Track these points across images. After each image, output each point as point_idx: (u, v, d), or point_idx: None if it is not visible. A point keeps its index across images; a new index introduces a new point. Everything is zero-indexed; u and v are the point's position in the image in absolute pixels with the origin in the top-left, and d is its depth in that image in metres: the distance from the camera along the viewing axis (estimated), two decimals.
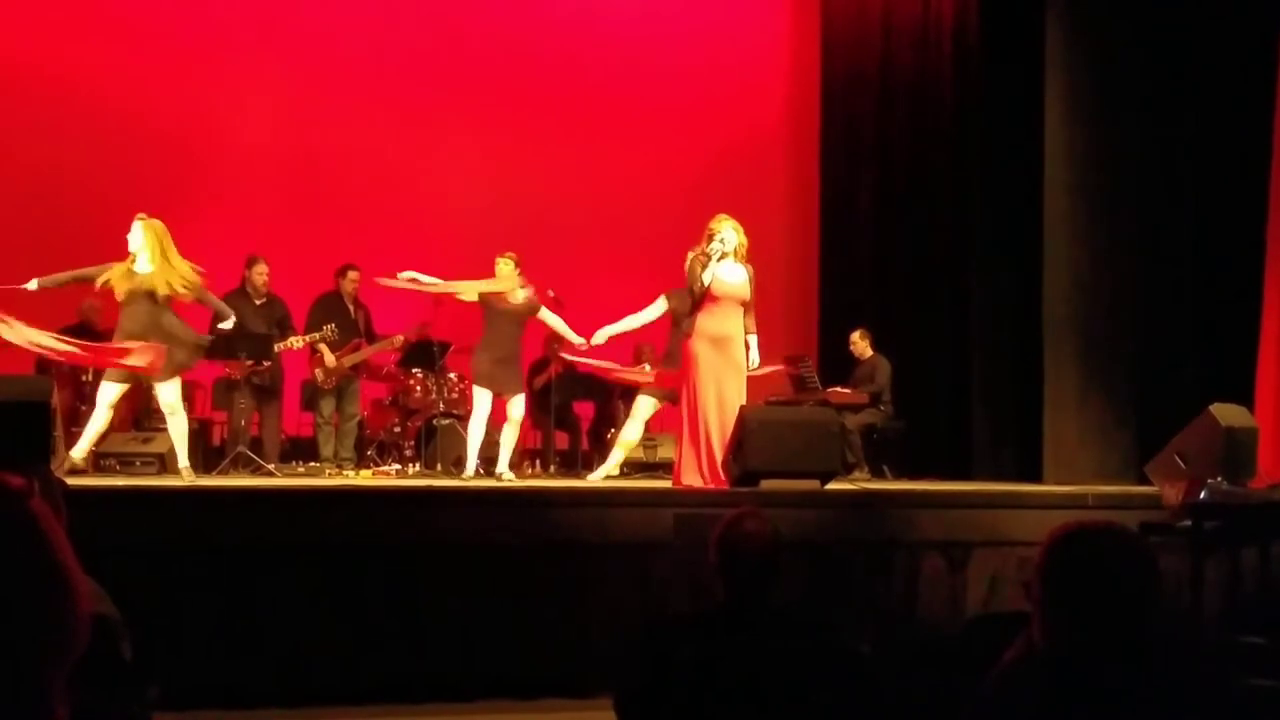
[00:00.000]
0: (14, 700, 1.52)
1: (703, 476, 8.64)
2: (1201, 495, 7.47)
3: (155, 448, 10.16)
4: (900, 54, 13.16)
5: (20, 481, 1.61)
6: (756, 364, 9.05)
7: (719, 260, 8.73)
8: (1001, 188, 11.51)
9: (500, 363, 9.75)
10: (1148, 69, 10.49)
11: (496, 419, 9.99)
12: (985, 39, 11.87)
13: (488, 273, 10.03)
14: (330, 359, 11.03)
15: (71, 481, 6.76)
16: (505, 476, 9.53)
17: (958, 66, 12.32)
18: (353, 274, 11.38)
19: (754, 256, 8.91)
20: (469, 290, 9.87)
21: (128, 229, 8.96)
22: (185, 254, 9.13)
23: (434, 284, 9.87)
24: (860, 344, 12.24)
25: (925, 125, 12.77)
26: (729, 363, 8.81)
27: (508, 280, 9.79)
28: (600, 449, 12.24)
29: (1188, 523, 7.42)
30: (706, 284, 8.72)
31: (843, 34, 13.88)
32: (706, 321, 8.79)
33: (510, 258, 9.86)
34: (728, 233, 8.77)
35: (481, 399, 9.75)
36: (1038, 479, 10.31)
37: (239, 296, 10.79)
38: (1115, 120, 10.50)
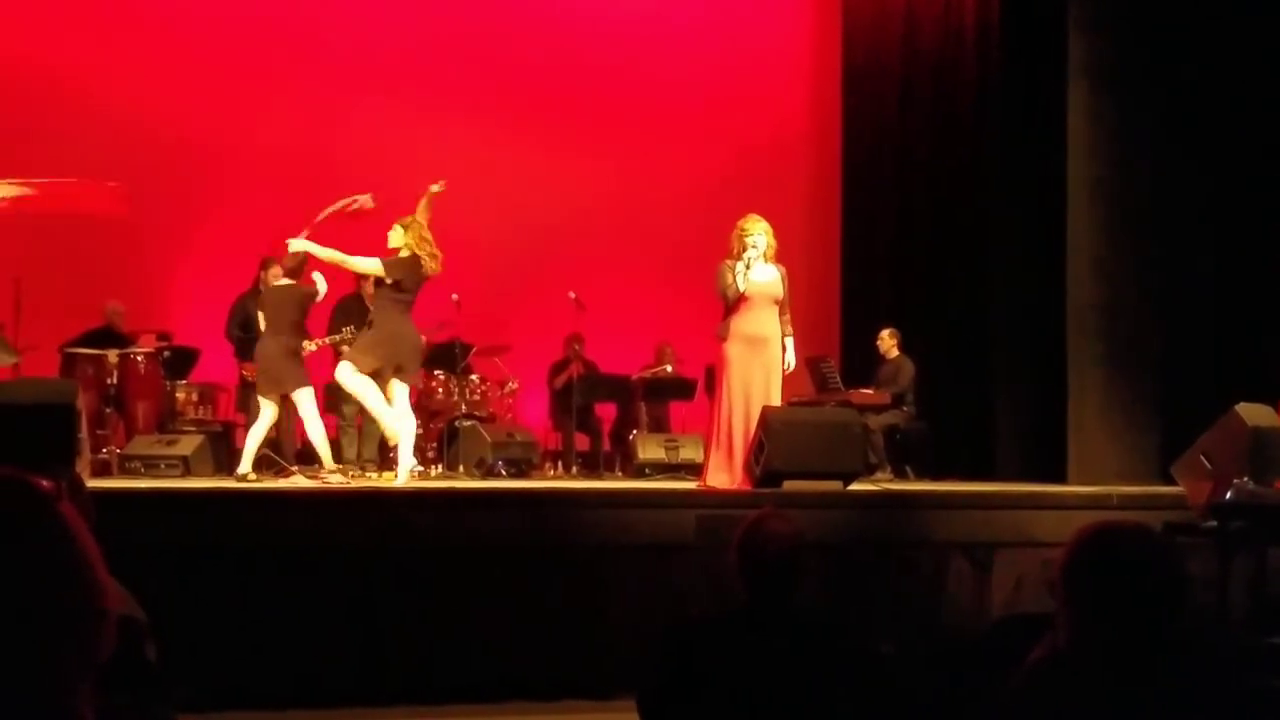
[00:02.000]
0: (41, 702, 1.53)
1: (732, 477, 8.62)
2: (1227, 495, 7.42)
3: (179, 450, 10.20)
4: (922, 49, 13.11)
5: (49, 484, 1.62)
6: (792, 365, 8.99)
7: (750, 265, 8.69)
8: (1025, 185, 11.46)
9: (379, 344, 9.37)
10: (1173, 64, 10.44)
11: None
12: (1007, 33, 11.81)
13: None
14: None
15: (96, 484, 6.80)
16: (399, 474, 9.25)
17: (980, 61, 12.26)
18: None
19: (776, 256, 8.88)
20: (365, 266, 9.54)
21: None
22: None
23: (329, 253, 9.50)
24: (888, 343, 12.21)
25: (947, 123, 12.72)
26: (763, 364, 8.77)
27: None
28: (622, 450, 12.25)
29: (1213, 523, 7.38)
30: (742, 289, 8.69)
31: (864, 31, 13.86)
32: (741, 323, 8.75)
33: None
34: (760, 236, 8.74)
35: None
36: (1062, 479, 10.26)
37: (254, 298, 10.84)
38: (1140, 116, 10.45)
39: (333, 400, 11.59)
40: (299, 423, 9.92)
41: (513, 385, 12.09)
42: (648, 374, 12.56)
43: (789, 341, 8.90)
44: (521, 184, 13.40)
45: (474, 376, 11.73)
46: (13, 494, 1.59)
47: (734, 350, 8.76)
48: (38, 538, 1.56)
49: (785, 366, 8.88)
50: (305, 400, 9.40)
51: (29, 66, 12.28)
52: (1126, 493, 8.75)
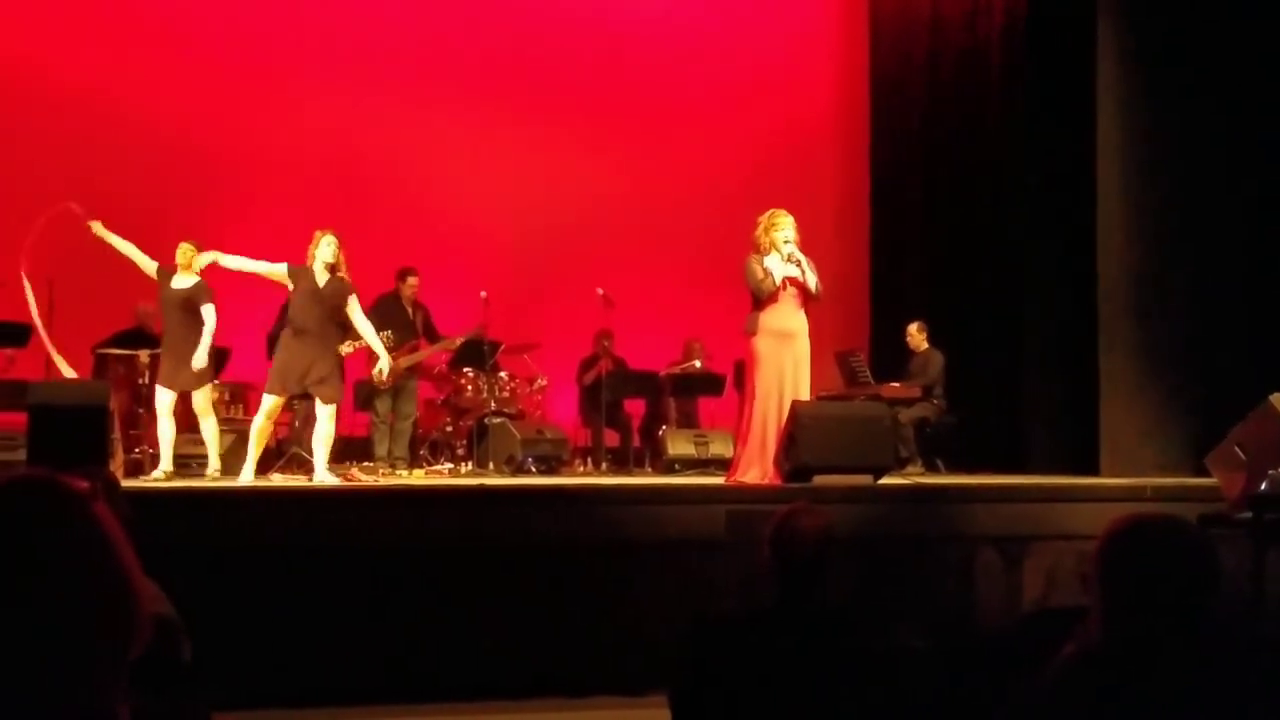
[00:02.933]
0: (76, 701, 1.54)
1: (762, 472, 8.60)
2: (1262, 486, 7.37)
3: None
4: (949, 40, 13.06)
5: (85, 485, 1.63)
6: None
7: (791, 259, 8.65)
8: (1054, 177, 11.40)
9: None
10: (1202, 53, 10.37)
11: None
12: (1036, 23, 11.75)
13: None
14: (386, 360, 11.08)
15: (129, 484, 6.84)
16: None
17: (1008, 52, 12.20)
18: (412, 279, 11.46)
19: (804, 250, 8.84)
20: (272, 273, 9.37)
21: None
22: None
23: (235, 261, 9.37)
24: (916, 337, 12.19)
25: (976, 115, 12.66)
26: (792, 358, 8.75)
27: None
28: (651, 446, 12.25)
29: (1248, 515, 7.33)
30: (778, 283, 8.66)
31: (891, 23, 13.82)
32: (770, 318, 8.73)
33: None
34: (787, 230, 8.72)
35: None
36: (1094, 472, 10.22)
37: None
38: (1170, 106, 10.39)
39: (364, 398, 11.65)
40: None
41: (542, 382, 12.11)
42: (676, 369, 12.56)
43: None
44: (549, 182, 13.41)
45: (503, 374, 11.76)
46: (48, 495, 1.60)
47: (763, 345, 8.74)
48: (72, 538, 1.57)
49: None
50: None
51: (57, 78, 12.33)
52: (1160, 485, 8.70)
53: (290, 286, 9.24)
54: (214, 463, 9.50)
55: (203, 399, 9.53)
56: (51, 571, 1.55)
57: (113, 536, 1.61)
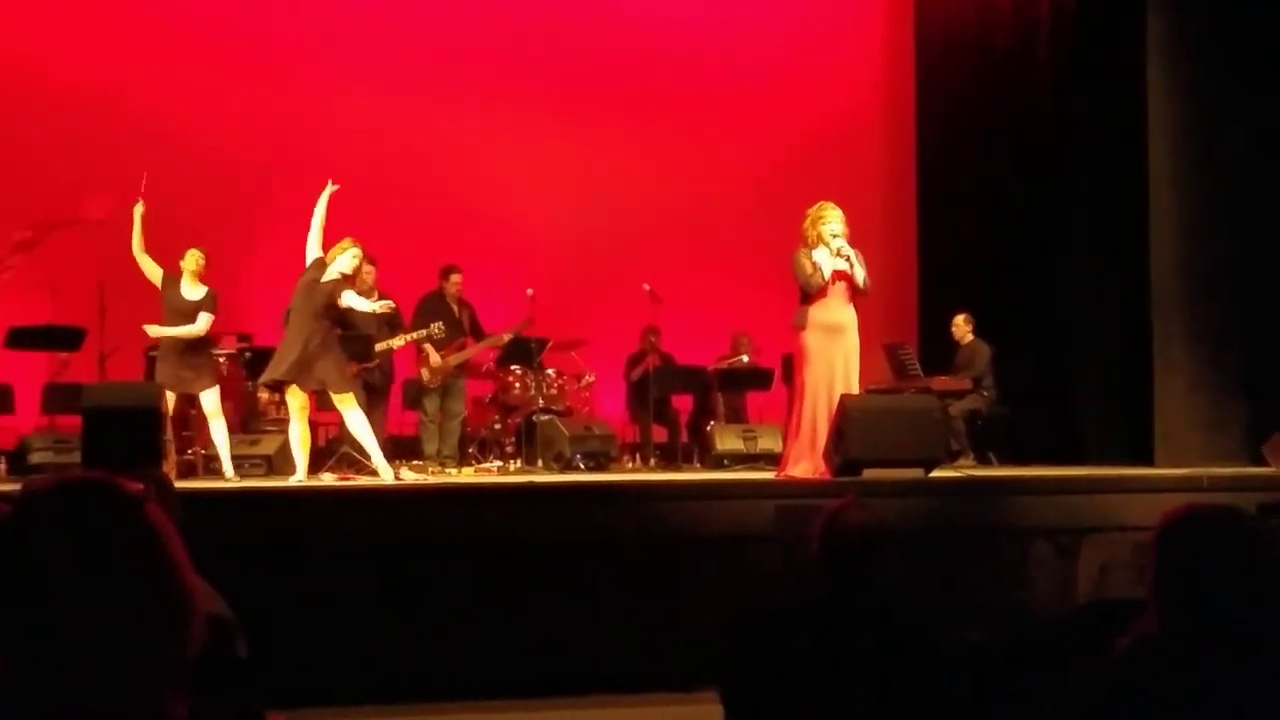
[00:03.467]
0: (132, 701, 1.54)
1: (813, 467, 8.57)
2: None
3: (262, 450, 10.32)
4: (997, 27, 12.97)
5: (139, 487, 1.64)
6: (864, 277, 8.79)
7: (841, 253, 8.61)
8: (1104, 164, 11.31)
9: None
10: (1251, 33, 10.27)
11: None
12: (1085, 9, 11.66)
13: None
14: (435, 359, 11.13)
15: (181, 484, 6.89)
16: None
17: (1057, 39, 12.10)
18: (455, 277, 11.49)
19: (851, 243, 8.80)
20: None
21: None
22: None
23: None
24: (962, 328, 12.12)
25: (1024, 102, 12.57)
26: (842, 352, 8.72)
27: None
28: (700, 441, 12.24)
29: None
30: (826, 278, 8.63)
31: (937, 10, 13.73)
32: (819, 312, 8.70)
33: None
34: (835, 224, 8.67)
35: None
36: (1149, 462, 10.14)
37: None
38: (1220, 91, 10.30)
39: (413, 397, 11.71)
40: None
41: (589, 378, 12.12)
42: (724, 364, 12.54)
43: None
44: (595, 178, 13.42)
45: (550, 371, 11.77)
46: (103, 497, 1.61)
47: (812, 339, 8.71)
48: (127, 540, 1.58)
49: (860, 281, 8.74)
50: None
51: (91, 82, 12.42)
52: (1217, 474, 8.61)
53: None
54: (227, 468, 9.44)
55: (211, 401, 9.51)
56: (108, 573, 1.56)
57: (167, 537, 1.62)
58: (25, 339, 10.67)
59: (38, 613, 1.51)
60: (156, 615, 1.57)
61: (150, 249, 9.35)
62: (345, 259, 9.01)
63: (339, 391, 8.98)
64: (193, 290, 9.46)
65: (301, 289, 8.99)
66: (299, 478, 8.91)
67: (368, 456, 9.15)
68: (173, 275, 9.45)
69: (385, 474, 8.93)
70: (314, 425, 11.27)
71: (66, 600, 1.53)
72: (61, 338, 10.72)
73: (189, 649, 1.60)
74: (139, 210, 9.29)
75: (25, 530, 1.59)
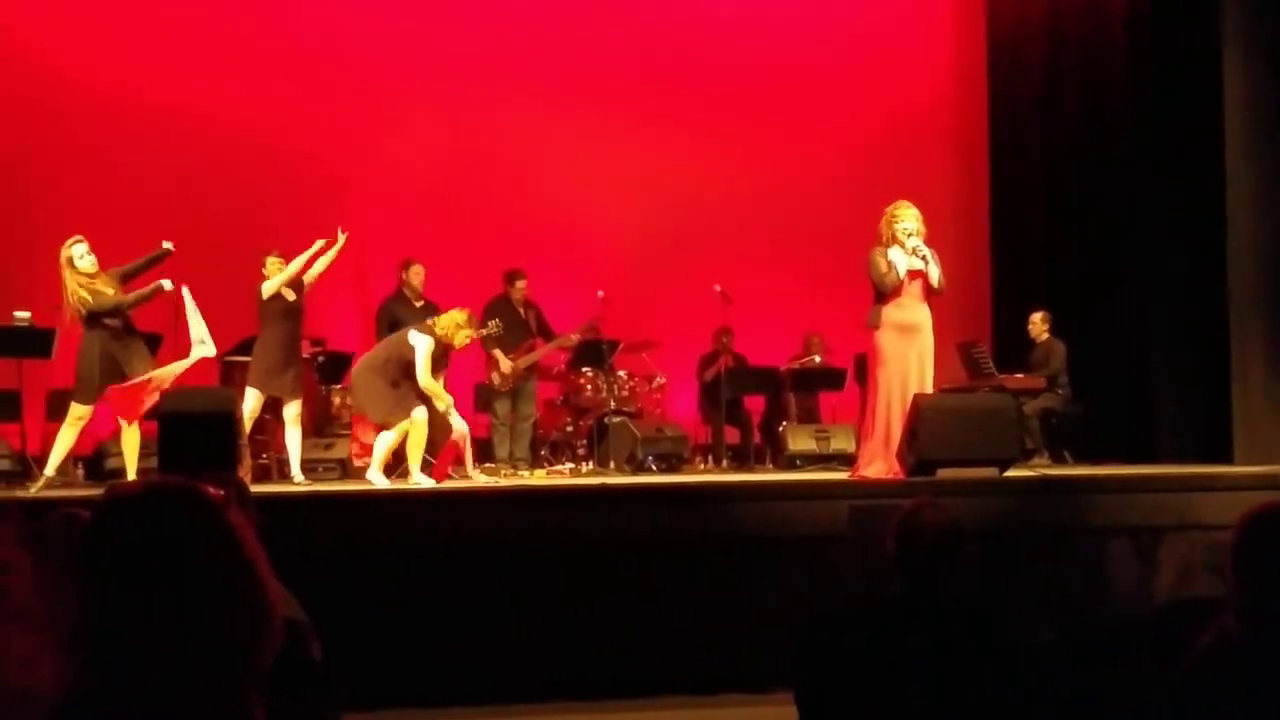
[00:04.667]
0: (213, 703, 1.56)
1: (887, 467, 8.52)
2: None
3: (336, 454, 10.40)
4: (1069, 21, 12.82)
5: (219, 492, 1.65)
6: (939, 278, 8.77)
7: (916, 252, 8.57)
8: (1179, 159, 11.17)
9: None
10: None
11: None
12: (1159, 3, 11.52)
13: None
14: (506, 363, 11.18)
15: (257, 489, 6.95)
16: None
17: (1129, 31, 11.95)
18: (520, 282, 11.51)
19: (926, 241, 8.75)
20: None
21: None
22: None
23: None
24: (1039, 326, 12.02)
25: (1097, 96, 12.42)
26: (917, 352, 8.67)
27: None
28: (772, 442, 12.21)
29: None
30: (901, 276, 8.58)
31: (1008, 7, 13.60)
32: (894, 311, 8.65)
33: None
34: (910, 222, 8.63)
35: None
36: (1228, 460, 9.99)
37: (398, 300, 11.04)
38: None
39: (484, 400, 11.77)
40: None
41: (660, 380, 12.12)
42: (796, 365, 12.50)
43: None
44: (665, 178, 13.40)
45: (621, 372, 11.79)
46: (185, 503, 1.62)
47: (886, 339, 8.66)
48: (209, 545, 1.60)
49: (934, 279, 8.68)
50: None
51: (162, 98, 12.54)
52: None
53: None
54: (296, 473, 9.62)
55: (295, 409, 9.71)
56: (190, 577, 1.57)
57: (247, 542, 1.63)
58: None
59: (121, 617, 1.53)
60: (237, 619, 1.59)
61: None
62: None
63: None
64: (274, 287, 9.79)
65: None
66: (416, 479, 9.11)
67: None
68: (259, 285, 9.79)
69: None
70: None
71: (149, 604, 1.54)
72: (32, 342, 10.11)
73: (268, 653, 1.61)
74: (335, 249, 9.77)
75: (109, 534, 1.61)
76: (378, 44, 13.25)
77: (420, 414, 9.18)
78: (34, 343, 9.97)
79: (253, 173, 12.42)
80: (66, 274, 8.70)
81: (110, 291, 8.78)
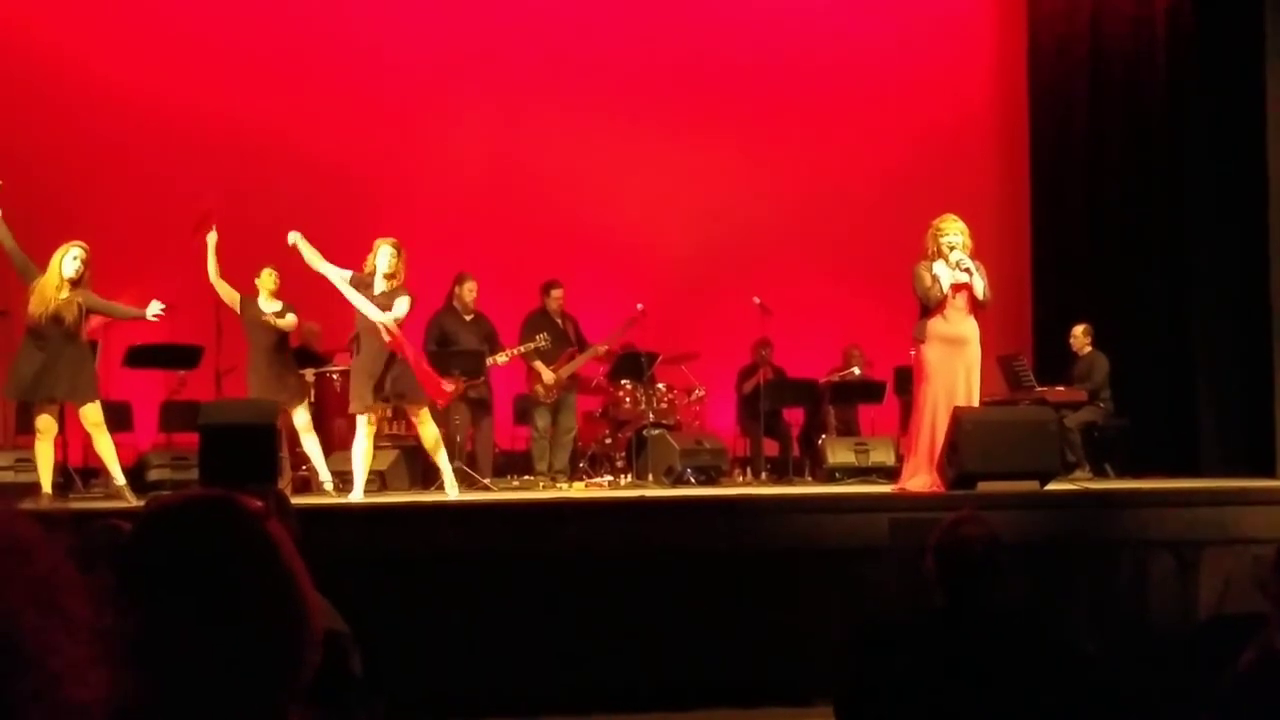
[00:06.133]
0: (254, 717, 1.57)
1: (931, 481, 8.49)
2: None
3: (375, 465, 10.40)
4: (1111, 32, 12.76)
5: (259, 504, 1.66)
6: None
7: (961, 266, 8.53)
8: (1222, 171, 11.10)
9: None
10: None
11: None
12: (1201, 13, 11.45)
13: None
14: (549, 375, 11.19)
15: (297, 500, 6.99)
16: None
17: (1172, 41, 11.88)
18: (556, 292, 11.53)
19: (970, 253, 8.72)
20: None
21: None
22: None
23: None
24: (1081, 339, 11.95)
25: (1140, 107, 12.36)
26: (964, 365, 8.64)
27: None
28: (811, 454, 12.18)
29: None
30: (945, 290, 8.56)
31: (1049, 16, 13.54)
32: (940, 325, 8.63)
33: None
34: (956, 236, 8.60)
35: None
36: (1270, 474, 9.92)
37: (448, 314, 11.07)
38: None
39: (524, 412, 11.79)
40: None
41: (699, 392, 12.11)
42: (835, 377, 12.47)
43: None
44: (704, 190, 13.40)
45: (660, 385, 11.78)
46: (226, 514, 1.63)
47: (932, 352, 8.64)
48: (250, 557, 1.60)
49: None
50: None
51: (204, 106, 12.65)
52: None
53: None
54: (324, 474, 9.63)
55: (304, 417, 9.72)
56: (231, 590, 1.58)
57: (288, 554, 1.64)
58: (144, 358, 10.90)
59: (161, 629, 1.54)
60: (278, 631, 1.59)
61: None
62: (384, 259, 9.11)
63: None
64: (269, 304, 9.78)
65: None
66: (455, 490, 9.11)
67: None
68: (250, 296, 9.78)
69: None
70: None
71: (190, 617, 1.55)
72: (179, 356, 10.94)
73: (309, 665, 1.62)
74: (212, 238, 9.48)
75: (150, 547, 1.62)
76: (420, 56, 13.31)
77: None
78: None
79: (291, 184, 12.48)
80: (50, 269, 8.57)
81: (64, 298, 8.51)
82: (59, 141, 12.37)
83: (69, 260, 8.55)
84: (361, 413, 9.03)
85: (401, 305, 8.85)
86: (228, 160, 12.40)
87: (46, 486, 8.58)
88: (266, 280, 9.81)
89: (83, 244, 8.70)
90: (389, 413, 11.00)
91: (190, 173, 12.33)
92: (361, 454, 8.97)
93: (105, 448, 8.77)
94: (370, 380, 8.95)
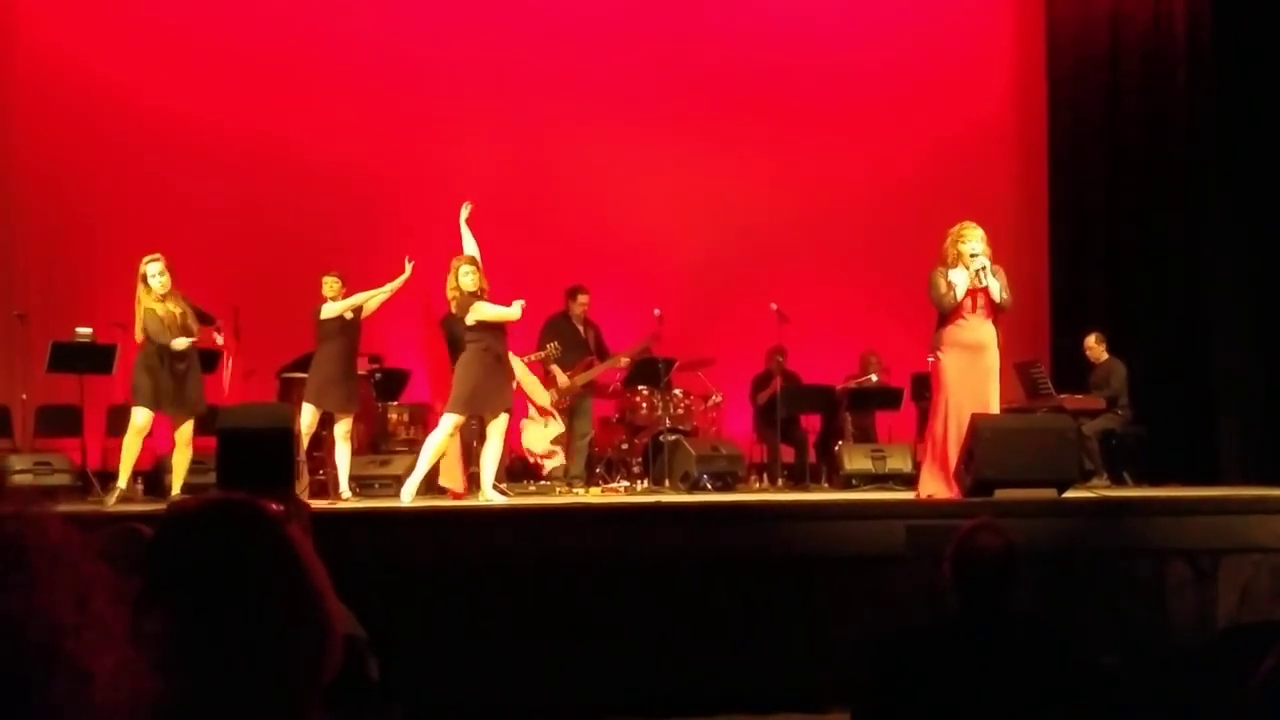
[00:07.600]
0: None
1: (949, 488, 8.46)
2: None
3: (393, 470, 10.44)
4: (1130, 35, 12.73)
5: (278, 509, 1.66)
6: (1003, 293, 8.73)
7: (982, 273, 8.51)
8: (1242, 177, 11.06)
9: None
10: None
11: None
12: (1220, 16, 11.42)
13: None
14: (563, 379, 11.19)
15: (314, 505, 7.00)
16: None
17: (1191, 46, 11.86)
18: (582, 298, 11.54)
19: (989, 259, 8.69)
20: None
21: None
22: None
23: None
24: (1096, 348, 11.93)
25: (1159, 112, 12.33)
26: (982, 372, 8.61)
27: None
28: (828, 461, 12.16)
29: None
30: (959, 297, 8.53)
31: (1068, 19, 13.51)
32: (957, 331, 8.60)
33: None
34: (975, 243, 8.56)
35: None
36: None
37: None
38: None
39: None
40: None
41: (716, 398, 12.10)
42: (852, 384, 12.45)
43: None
44: (721, 196, 13.39)
45: (677, 391, 11.77)
46: (246, 518, 1.63)
47: (950, 359, 8.60)
48: (270, 562, 1.60)
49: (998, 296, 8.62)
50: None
51: (225, 118, 12.68)
52: None
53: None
54: (345, 489, 9.67)
55: (347, 426, 9.75)
56: (251, 594, 1.58)
57: (308, 559, 1.64)
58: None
59: (181, 633, 1.54)
60: (299, 636, 1.59)
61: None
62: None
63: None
64: (332, 307, 9.85)
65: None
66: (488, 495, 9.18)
67: (496, 477, 9.33)
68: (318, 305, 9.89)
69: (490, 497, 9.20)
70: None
71: (210, 622, 1.56)
72: (98, 360, 10.34)
73: (329, 670, 1.62)
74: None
75: (171, 550, 1.62)
76: (438, 65, 13.32)
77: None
78: (95, 359, 10.11)
79: (315, 192, 12.52)
80: (140, 290, 8.87)
81: (178, 312, 9.00)
82: (84, 154, 12.45)
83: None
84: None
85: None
86: (245, 169, 12.46)
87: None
88: (329, 288, 9.82)
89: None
90: (407, 417, 11.05)
91: (208, 182, 12.40)
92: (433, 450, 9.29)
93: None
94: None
